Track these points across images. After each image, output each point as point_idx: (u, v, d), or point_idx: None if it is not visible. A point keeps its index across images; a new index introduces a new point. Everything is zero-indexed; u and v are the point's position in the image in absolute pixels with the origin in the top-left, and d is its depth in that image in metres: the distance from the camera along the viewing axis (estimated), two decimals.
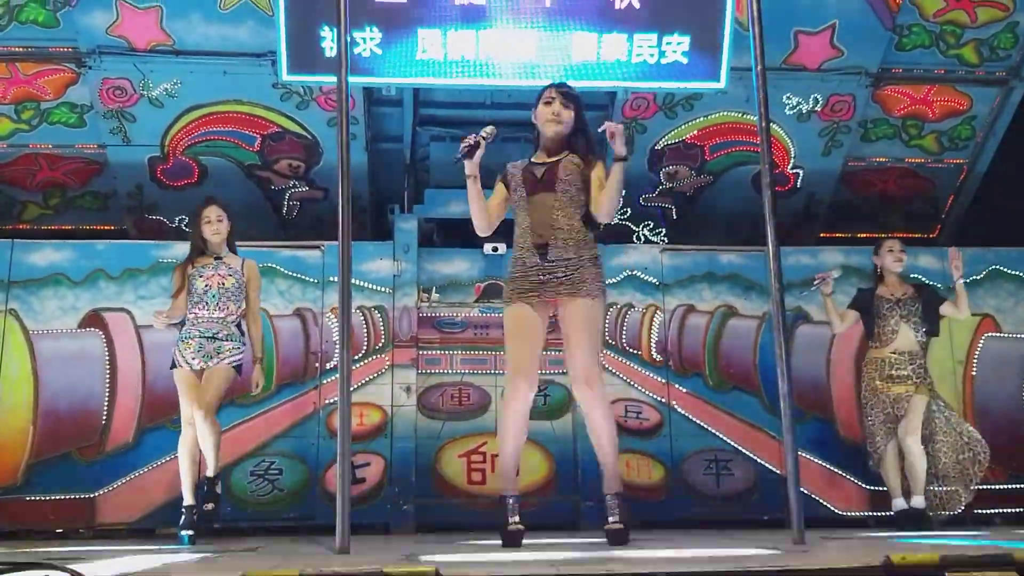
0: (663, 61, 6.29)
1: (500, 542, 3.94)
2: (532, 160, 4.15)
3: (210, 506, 5.15)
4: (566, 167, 4.02)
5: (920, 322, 5.79)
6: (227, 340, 5.18)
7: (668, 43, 6.27)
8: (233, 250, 5.42)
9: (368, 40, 6.10)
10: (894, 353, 5.77)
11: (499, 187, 4.18)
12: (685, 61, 6.30)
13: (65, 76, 6.67)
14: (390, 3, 6.07)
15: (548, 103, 4.07)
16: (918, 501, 5.60)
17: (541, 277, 3.94)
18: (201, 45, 6.52)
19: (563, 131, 4.07)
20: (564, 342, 3.96)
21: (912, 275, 6.63)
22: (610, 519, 3.89)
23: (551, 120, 4.04)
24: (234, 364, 5.18)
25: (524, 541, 3.91)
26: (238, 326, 5.27)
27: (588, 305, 3.92)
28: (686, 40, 6.26)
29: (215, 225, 5.28)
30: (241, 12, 6.39)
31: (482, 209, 4.10)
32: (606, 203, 3.96)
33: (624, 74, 6.33)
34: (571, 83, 6.27)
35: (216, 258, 5.30)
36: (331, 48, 6.04)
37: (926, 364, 5.81)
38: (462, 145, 4.00)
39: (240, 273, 5.30)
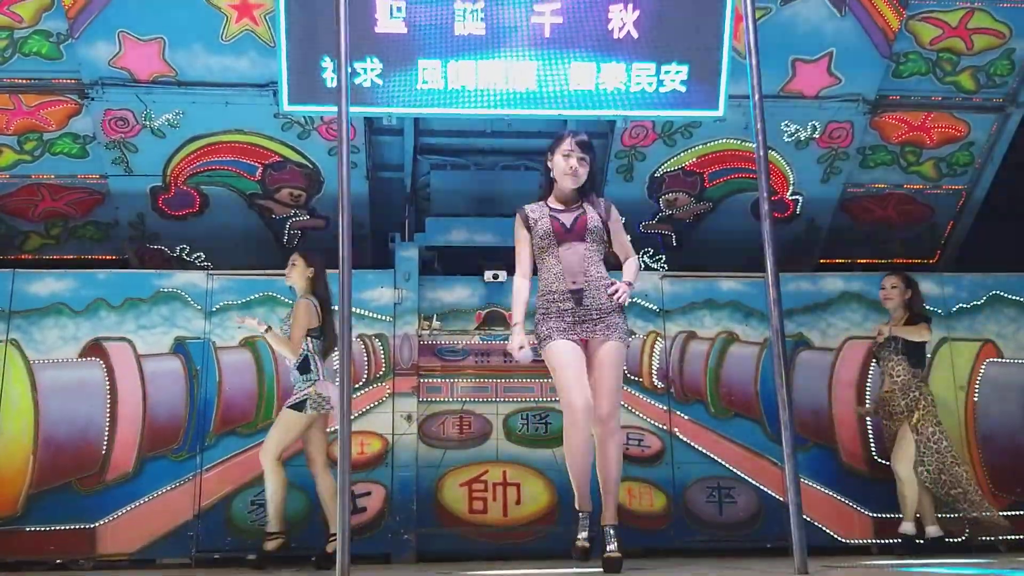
0: (661, 90, 6.32)
1: (509, 570, 4.22)
2: (551, 207, 4.27)
3: (251, 557, 5.44)
4: (592, 218, 4.19)
5: (904, 356, 5.89)
6: (293, 383, 5.51)
7: (667, 72, 6.30)
8: (313, 292, 5.63)
9: (369, 71, 6.14)
10: (887, 392, 5.95)
11: (524, 234, 4.27)
12: (683, 90, 6.33)
13: (68, 107, 6.72)
14: (391, 34, 6.11)
15: (566, 156, 4.18)
16: (906, 527, 5.77)
17: (575, 320, 4.09)
18: (203, 76, 6.56)
19: (578, 184, 4.22)
20: (590, 377, 4.07)
21: None
22: (609, 547, 3.97)
23: (568, 175, 4.18)
24: (289, 405, 5.44)
25: (526, 571, 4.10)
26: (299, 367, 5.48)
27: (618, 348, 4.10)
28: (684, 69, 6.29)
29: (289, 269, 5.69)
30: (242, 43, 6.44)
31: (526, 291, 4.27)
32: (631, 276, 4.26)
33: (623, 103, 6.36)
34: (570, 112, 6.42)
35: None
36: (332, 79, 6.08)
37: (922, 393, 5.83)
38: None
39: (289, 317, 5.60)
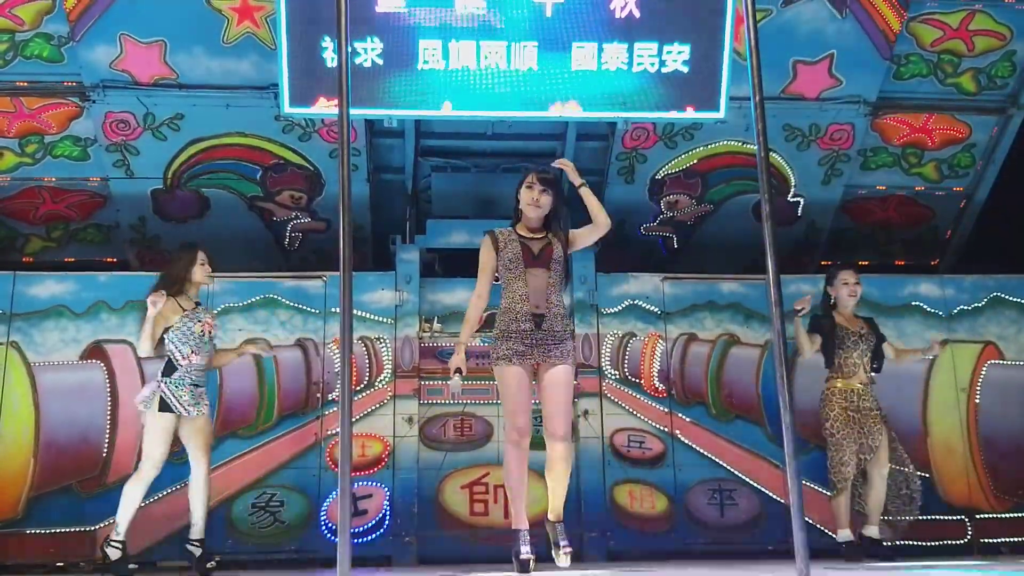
0: (664, 71, 6.28)
1: (510, 573, 4.34)
2: (519, 233, 4.56)
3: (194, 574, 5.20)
4: (557, 251, 4.52)
5: (873, 357, 5.87)
6: (205, 387, 5.34)
7: (668, 52, 6.25)
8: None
9: (369, 51, 6.11)
10: (861, 384, 5.81)
11: (490, 256, 4.55)
12: (686, 71, 6.29)
13: (69, 110, 6.72)
14: (391, 13, 6.07)
15: (529, 187, 4.51)
16: (873, 531, 5.70)
17: (532, 342, 4.40)
18: (204, 79, 6.57)
19: (542, 215, 4.54)
20: (544, 396, 4.44)
21: (914, 303, 6.67)
22: (562, 543, 4.40)
23: (531, 205, 4.49)
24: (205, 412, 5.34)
25: (527, 574, 4.27)
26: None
27: (568, 371, 4.45)
28: (686, 49, 6.25)
29: (208, 268, 5.40)
30: (244, 46, 6.45)
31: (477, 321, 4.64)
32: (598, 216, 4.52)
33: (625, 84, 6.29)
34: (571, 114, 6.41)
35: (197, 303, 5.40)
36: (332, 59, 6.01)
37: (874, 395, 5.84)
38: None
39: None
